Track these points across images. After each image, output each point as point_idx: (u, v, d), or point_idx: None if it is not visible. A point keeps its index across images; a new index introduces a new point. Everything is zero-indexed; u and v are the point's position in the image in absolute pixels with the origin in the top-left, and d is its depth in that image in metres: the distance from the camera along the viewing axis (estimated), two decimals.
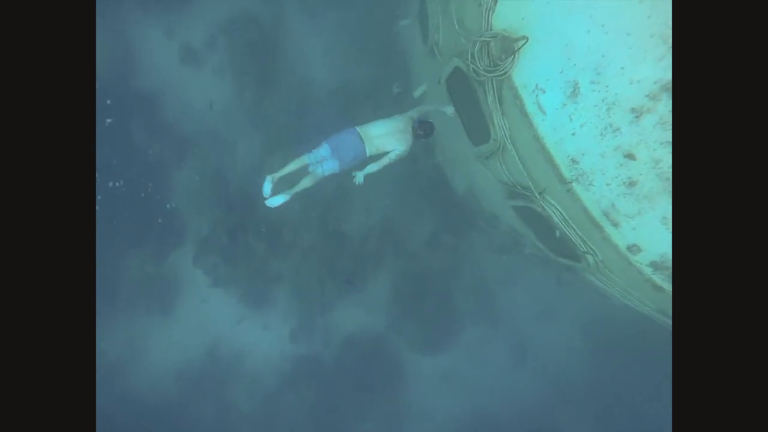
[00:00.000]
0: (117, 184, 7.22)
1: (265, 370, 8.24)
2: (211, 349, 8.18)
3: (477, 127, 3.61)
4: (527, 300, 8.05)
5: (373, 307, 7.98)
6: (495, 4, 2.92)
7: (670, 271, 2.85)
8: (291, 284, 7.91)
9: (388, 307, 7.97)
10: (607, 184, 2.80)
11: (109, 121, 6.87)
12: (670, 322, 3.19)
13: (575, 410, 7.99)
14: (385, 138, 3.97)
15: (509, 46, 2.81)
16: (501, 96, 3.12)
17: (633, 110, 2.51)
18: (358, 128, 4.00)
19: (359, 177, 3.97)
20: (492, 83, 3.11)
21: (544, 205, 3.23)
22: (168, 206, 7.68)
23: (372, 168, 3.99)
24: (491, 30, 2.95)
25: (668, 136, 2.44)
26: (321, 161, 3.98)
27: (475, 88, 3.30)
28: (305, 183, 4.09)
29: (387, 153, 3.98)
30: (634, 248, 2.92)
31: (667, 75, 2.35)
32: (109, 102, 6.84)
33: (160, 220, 7.63)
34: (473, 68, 3.09)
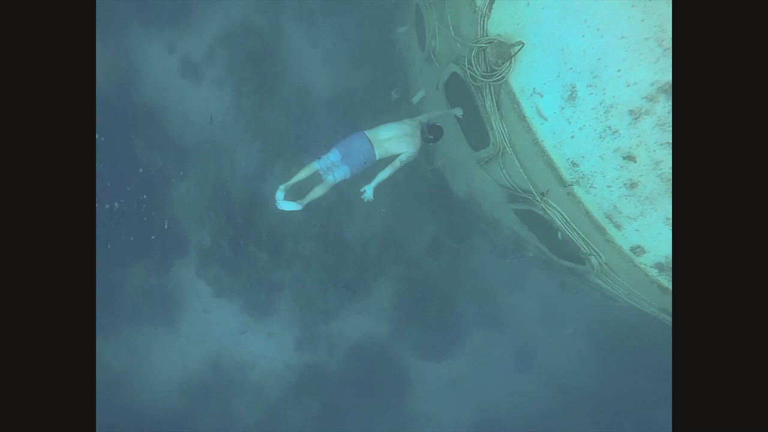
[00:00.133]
0: (118, 203, 7.25)
1: (269, 381, 8.19)
2: (215, 360, 8.14)
3: (476, 132, 3.62)
4: (531, 304, 8.00)
5: (376, 314, 7.93)
6: (490, 11, 2.94)
7: None
8: (293, 293, 7.88)
9: (392, 314, 7.92)
10: (608, 186, 2.79)
11: (102, 138, 6.89)
12: None
13: (580, 416, 7.89)
14: (394, 141, 3.94)
15: (505, 52, 2.83)
16: (499, 101, 3.13)
17: (631, 112, 2.51)
18: (366, 132, 3.97)
19: (368, 192, 3.84)
20: (490, 88, 3.12)
21: (545, 208, 3.22)
22: (169, 217, 7.69)
23: (381, 176, 3.91)
24: (487, 36, 2.97)
25: (667, 137, 2.44)
26: (331, 167, 3.94)
27: (473, 94, 3.31)
28: (317, 192, 4.01)
29: (396, 156, 3.95)
30: (638, 250, 2.90)
31: (664, 77, 2.35)
32: (107, 118, 6.88)
33: (165, 227, 7.63)
34: (470, 74, 3.10)
